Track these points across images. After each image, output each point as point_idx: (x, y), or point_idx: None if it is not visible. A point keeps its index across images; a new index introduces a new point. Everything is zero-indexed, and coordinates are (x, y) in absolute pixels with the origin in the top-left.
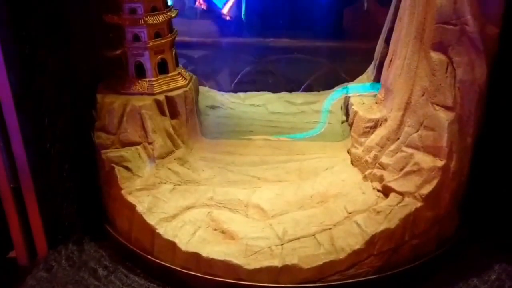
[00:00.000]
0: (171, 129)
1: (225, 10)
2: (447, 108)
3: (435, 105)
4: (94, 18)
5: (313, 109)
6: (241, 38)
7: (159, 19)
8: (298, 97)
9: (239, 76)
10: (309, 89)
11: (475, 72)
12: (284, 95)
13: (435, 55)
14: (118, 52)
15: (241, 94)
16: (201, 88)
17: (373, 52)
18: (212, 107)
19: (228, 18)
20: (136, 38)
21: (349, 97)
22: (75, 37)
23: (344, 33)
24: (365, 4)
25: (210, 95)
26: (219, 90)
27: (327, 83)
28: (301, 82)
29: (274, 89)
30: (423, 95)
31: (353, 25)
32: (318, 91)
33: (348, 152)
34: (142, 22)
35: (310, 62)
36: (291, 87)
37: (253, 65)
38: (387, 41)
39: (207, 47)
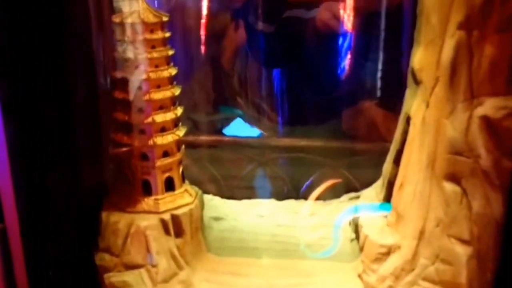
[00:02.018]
0: (175, 250)
1: None
2: (464, 242)
3: (451, 238)
4: (101, 136)
5: (321, 222)
6: (238, 137)
7: (167, 139)
8: (304, 207)
9: (240, 179)
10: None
11: (491, 206)
12: (290, 203)
13: (448, 186)
14: (126, 149)
15: (246, 201)
16: (205, 196)
17: (377, 153)
18: (216, 219)
19: None
20: (144, 157)
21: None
22: (83, 164)
23: (346, 134)
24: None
25: (213, 204)
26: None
27: (334, 189)
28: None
29: (278, 192)
30: (437, 226)
31: (353, 126)
32: (324, 199)
33: (359, 276)
34: (151, 143)
35: (313, 163)
36: (295, 192)
37: (254, 165)
38: (396, 162)
39: (203, 145)
